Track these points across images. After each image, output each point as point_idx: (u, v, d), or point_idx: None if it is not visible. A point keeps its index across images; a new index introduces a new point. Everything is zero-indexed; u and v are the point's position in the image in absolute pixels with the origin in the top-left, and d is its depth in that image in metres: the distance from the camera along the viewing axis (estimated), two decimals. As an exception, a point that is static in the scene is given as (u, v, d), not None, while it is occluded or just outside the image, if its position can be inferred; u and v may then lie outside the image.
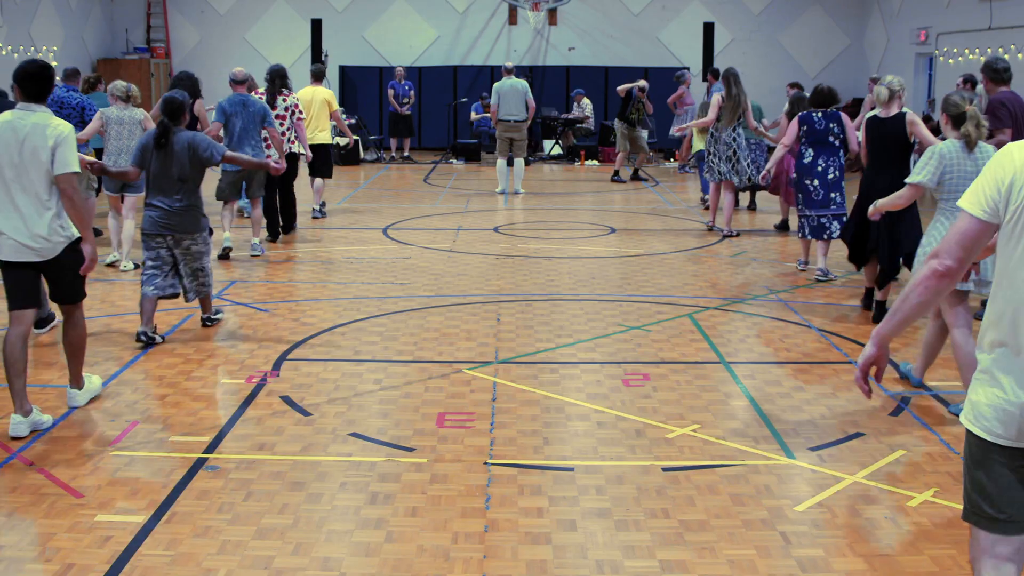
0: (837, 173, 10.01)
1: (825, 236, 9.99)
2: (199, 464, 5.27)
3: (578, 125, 21.92)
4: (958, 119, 6.19)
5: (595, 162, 21.29)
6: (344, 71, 23.47)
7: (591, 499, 4.90)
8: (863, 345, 7.56)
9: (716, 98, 12.52)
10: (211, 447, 5.50)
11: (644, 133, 18.25)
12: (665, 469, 5.27)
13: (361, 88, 23.61)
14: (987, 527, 2.98)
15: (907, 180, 6.42)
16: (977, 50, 18.80)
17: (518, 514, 4.72)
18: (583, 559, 4.31)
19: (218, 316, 8.21)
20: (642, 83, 17.90)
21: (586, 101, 21.79)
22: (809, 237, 10.16)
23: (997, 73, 8.71)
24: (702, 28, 22.55)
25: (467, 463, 5.32)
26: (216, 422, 5.91)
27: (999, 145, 6.78)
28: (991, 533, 2.98)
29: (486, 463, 5.33)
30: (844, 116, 10.19)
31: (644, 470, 5.26)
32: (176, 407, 6.18)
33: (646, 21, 24.15)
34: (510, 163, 16.51)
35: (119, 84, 10.45)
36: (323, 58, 21.76)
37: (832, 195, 9.95)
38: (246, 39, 23.77)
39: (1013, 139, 7.74)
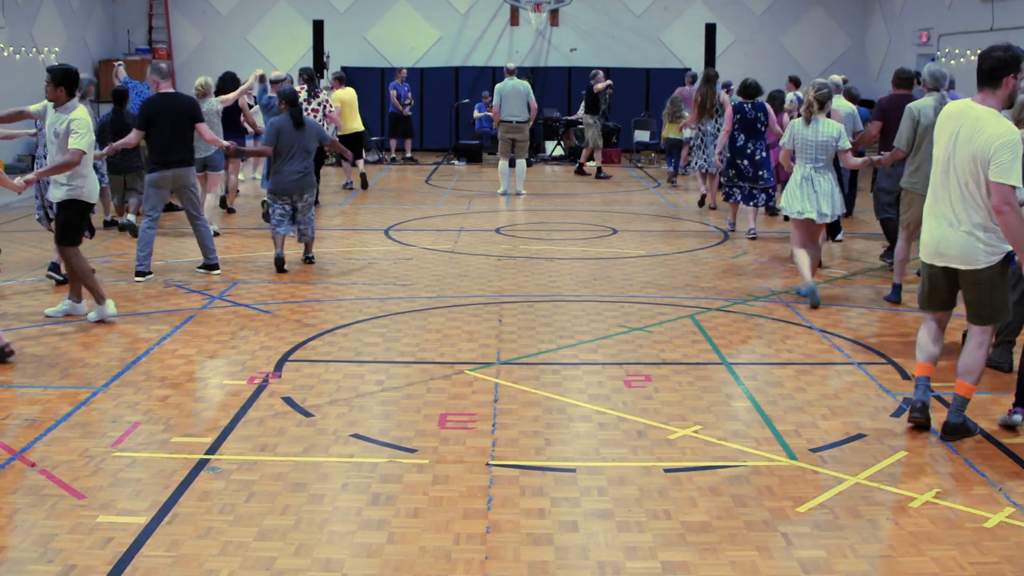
0: (764, 154, 12.22)
1: (752, 204, 12.35)
2: (201, 465, 5.27)
3: (579, 126, 21.92)
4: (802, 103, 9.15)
5: (593, 163, 21.26)
6: (346, 72, 23.44)
7: (593, 500, 4.90)
8: (864, 346, 7.59)
9: (695, 97, 14.97)
10: (213, 448, 5.51)
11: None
12: (667, 470, 5.27)
13: (363, 89, 23.56)
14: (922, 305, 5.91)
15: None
16: (979, 51, 18.77)
17: (520, 515, 4.73)
18: (585, 560, 4.31)
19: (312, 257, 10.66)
20: (609, 82, 19.53)
21: None
22: (740, 201, 12.46)
23: (900, 79, 10.10)
24: (704, 29, 22.54)
25: (469, 464, 5.32)
26: (218, 423, 5.91)
27: (869, 132, 10.17)
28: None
29: (488, 464, 5.33)
30: (768, 106, 12.43)
31: (646, 471, 5.26)
32: (178, 408, 6.18)
33: (648, 22, 24.14)
34: (512, 164, 16.52)
35: (198, 81, 12.28)
36: (324, 59, 21.76)
37: (760, 172, 12.19)
38: (248, 40, 23.77)
39: (881, 131, 9.83)
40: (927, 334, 5.88)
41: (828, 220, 9.14)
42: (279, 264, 10.23)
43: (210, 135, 10.14)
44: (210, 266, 10.10)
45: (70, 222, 8.03)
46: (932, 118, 8.23)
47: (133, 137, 9.90)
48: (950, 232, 5.48)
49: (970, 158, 5.31)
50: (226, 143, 10.54)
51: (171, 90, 10.01)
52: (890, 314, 8.70)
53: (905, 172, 8.72)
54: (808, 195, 8.97)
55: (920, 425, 5.79)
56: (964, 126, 5.37)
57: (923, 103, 8.64)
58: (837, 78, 12.57)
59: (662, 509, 4.80)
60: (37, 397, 6.36)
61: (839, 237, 12.01)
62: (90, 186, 7.99)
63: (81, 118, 7.78)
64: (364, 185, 16.92)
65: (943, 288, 5.74)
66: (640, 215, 14.57)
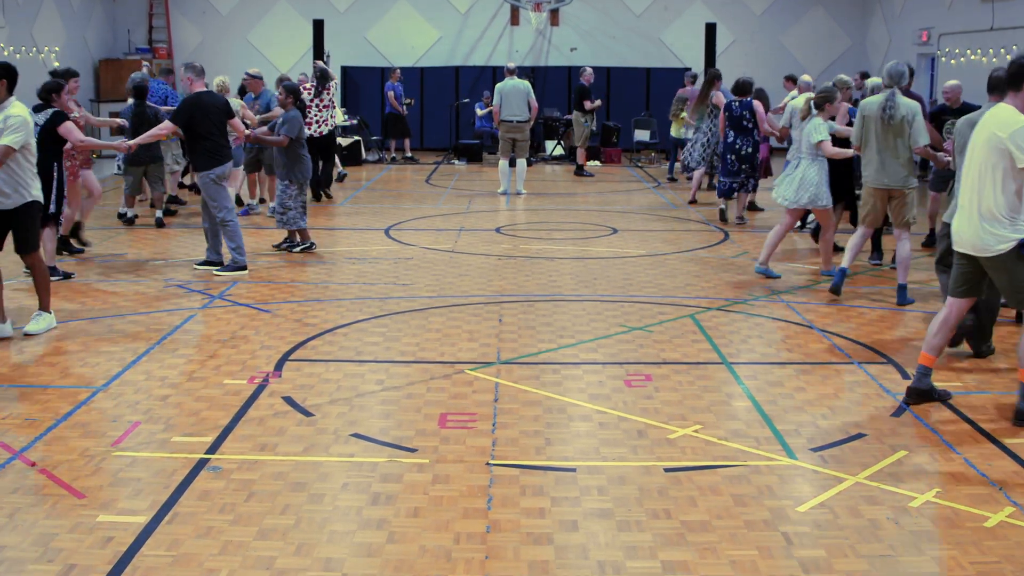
0: (749, 150, 13.10)
1: (733, 196, 13.38)
2: (201, 465, 5.27)
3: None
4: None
5: (597, 162, 21.29)
6: (346, 72, 23.47)
7: (593, 500, 4.90)
8: (864, 346, 7.59)
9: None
10: (213, 448, 5.51)
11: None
12: (667, 470, 5.27)
13: (363, 89, 23.62)
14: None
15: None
16: (979, 50, 18.79)
17: (520, 515, 4.72)
18: (585, 560, 4.31)
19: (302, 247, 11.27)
20: (599, 102, 19.85)
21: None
22: (720, 197, 13.51)
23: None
24: (704, 29, 22.53)
25: (469, 464, 5.32)
26: (218, 423, 5.91)
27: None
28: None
29: (488, 464, 5.33)
30: (756, 104, 13.06)
31: (646, 471, 5.26)
32: (178, 408, 6.18)
33: (648, 22, 24.14)
34: (512, 164, 16.52)
35: (216, 80, 12.67)
36: (325, 59, 21.76)
37: (743, 166, 13.12)
38: (248, 40, 23.78)
39: None
40: (936, 322, 6.32)
41: (791, 205, 9.85)
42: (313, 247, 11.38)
43: (241, 127, 10.75)
44: (214, 263, 10.26)
45: (31, 225, 7.72)
46: (876, 113, 8.78)
47: (166, 129, 10.20)
48: (966, 222, 6.04)
49: (984, 142, 5.89)
50: (246, 132, 11.14)
51: (204, 88, 10.33)
52: (890, 313, 8.70)
53: (862, 167, 9.10)
54: (786, 182, 9.90)
55: (911, 403, 6.33)
56: (986, 121, 6.01)
57: (872, 99, 8.94)
58: (808, 77, 13.61)
59: (662, 508, 4.80)
60: (37, 396, 6.36)
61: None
62: (38, 183, 7.77)
63: (17, 115, 7.45)
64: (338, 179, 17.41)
65: (968, 274, 6.18)
66: (640, 215, 14.57)
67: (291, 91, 11.24)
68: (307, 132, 15.24)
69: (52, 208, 8.89)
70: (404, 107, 21.17)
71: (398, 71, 21.58)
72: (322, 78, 15.34)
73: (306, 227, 11.30)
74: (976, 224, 5.92)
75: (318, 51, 21.93)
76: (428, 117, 23.65)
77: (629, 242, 12.22)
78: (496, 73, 22.27)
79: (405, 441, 5.63)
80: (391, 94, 20.99)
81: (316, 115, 15.04)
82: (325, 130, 15.31)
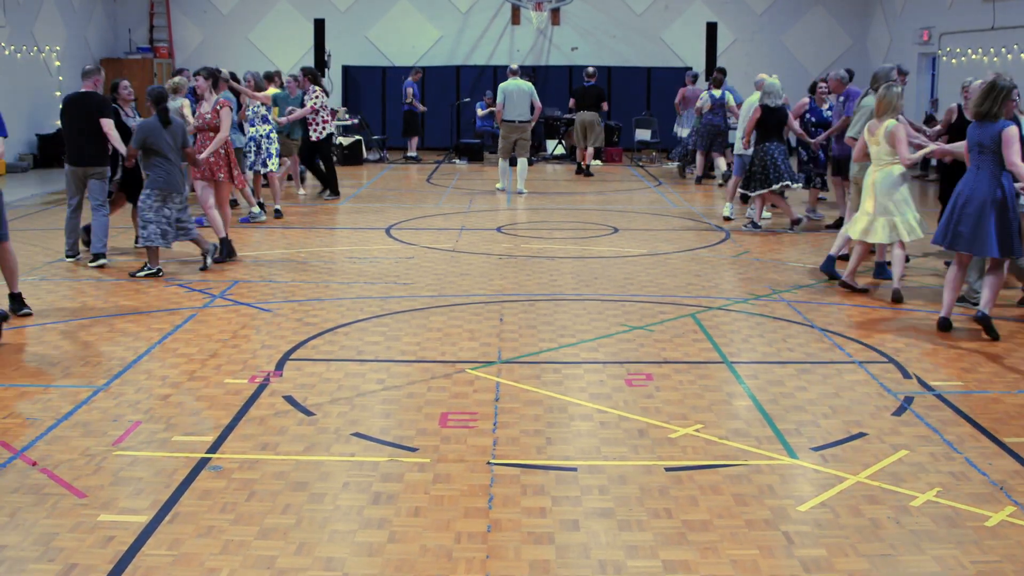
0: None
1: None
2: (202, 464, 5.28)
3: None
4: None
5: (599, 162, 21.28)
6: (347, 71, 23.48)
7: (594, 499, 4.90)
8: (865, 345, 7.59)
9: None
10: (214, 447, 5.51)
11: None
12: (668, 469, 5.27)
13: (364, 88, 23.63)
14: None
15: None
16: (980, 50, 18.78)
17: (521, 514, 4.72)
18: (586, 559, 4.31)
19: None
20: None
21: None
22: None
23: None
24: (705, 28, 22.53)
25: (470, 463, 5.32)
26: (219, 422, 5.91)
27: (841, 125, 11.91)
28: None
29: (489, 463, 5.33)
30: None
31: (647, 470, 5.26)
32: (179, 407, 6.18)
33: (649, 21, 24.15)
34: (512, 163, 16.52)
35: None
36: (326, 58, 21.77)
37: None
38: (249, 39, 23.79)
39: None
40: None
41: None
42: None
43: (106, 130, 10.18)
44: (96, 255, 10.38)
45: None
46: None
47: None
48: None
49: None
50: (123, 150, 10.23)
51: (88, 89, 10.45)
52: (891, 312, 8.70)
53: None
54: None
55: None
56: None
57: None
58: (764, 76, 13.77)
59: (663, 508, 4.80)
60: (38, 395, 6.36)
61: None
62: None
63: None
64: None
65: None
66: (641, 214, 14.57)
67: (150, 96, 10.00)
68: (328, 130, 15.41)
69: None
70: (408, 105, 21.15)
71: (420, 71, 21.59)
72: (316, 80, 15.36)
73: (168, 247, 10.10)
74: None
75: (319, 50, 21.94)
76: (429, 116, 23.65)
77: (630, 241, 12.22)
78: (497, 73, 22.28)
79: (406, 440, 5.63)
80: (410, 91, 20.95)
81: (327, 115, 15.35)
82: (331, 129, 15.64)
